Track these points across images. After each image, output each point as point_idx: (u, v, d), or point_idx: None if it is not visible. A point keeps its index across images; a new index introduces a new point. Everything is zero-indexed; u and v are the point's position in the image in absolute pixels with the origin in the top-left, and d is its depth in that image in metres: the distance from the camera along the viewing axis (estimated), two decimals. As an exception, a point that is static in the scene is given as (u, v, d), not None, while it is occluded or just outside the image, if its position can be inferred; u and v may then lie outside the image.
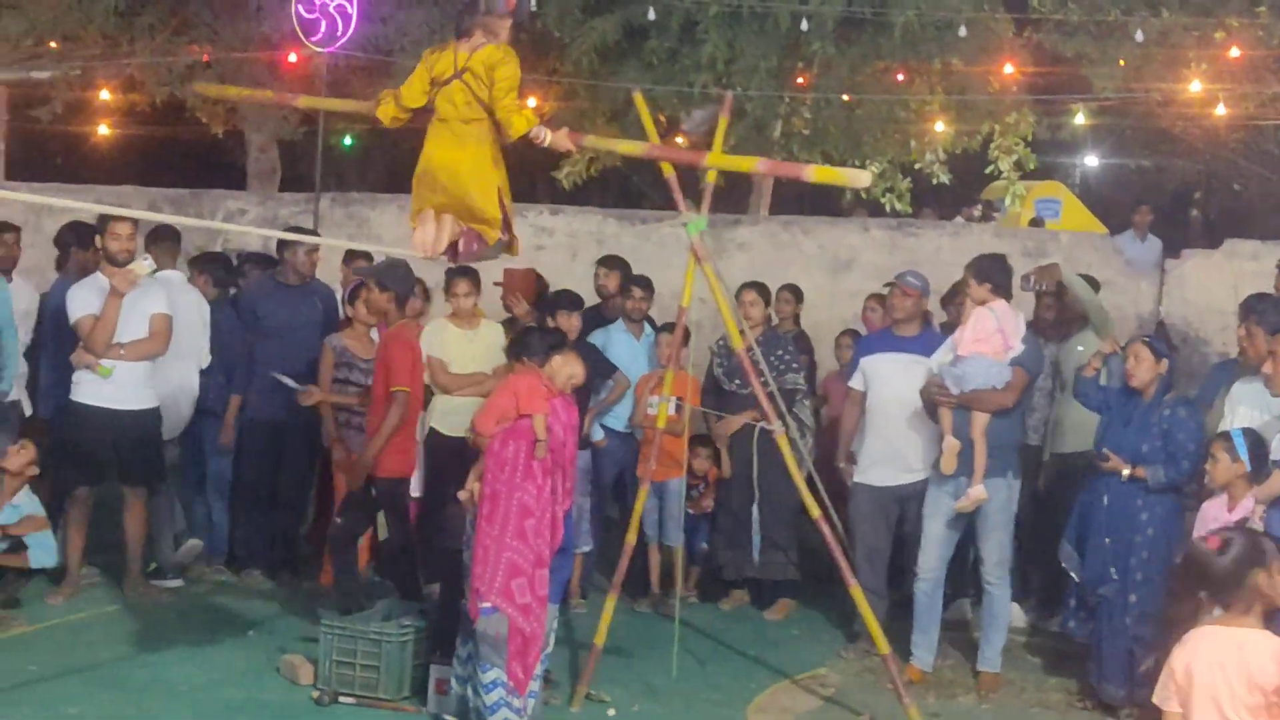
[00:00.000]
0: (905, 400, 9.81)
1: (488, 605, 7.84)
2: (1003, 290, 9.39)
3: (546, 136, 7.52)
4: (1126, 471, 8.98)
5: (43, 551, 10.10)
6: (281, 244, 11.73)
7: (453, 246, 7.60)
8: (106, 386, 10.15)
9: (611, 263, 11.97)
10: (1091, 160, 31.29)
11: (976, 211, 23.49)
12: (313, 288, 11.40)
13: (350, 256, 11.69)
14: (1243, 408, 9.04)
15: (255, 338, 11.10)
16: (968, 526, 9.57)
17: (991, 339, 9.26)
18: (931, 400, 9.49)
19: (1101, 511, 9.12)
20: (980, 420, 9.26)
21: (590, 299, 11.56)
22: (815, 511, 9.01)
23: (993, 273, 9.38)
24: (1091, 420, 9.58)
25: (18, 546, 9.96)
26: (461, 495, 8.35)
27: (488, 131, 7.45)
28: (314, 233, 12.36)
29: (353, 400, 10.52)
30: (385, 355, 9.53)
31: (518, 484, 7.87)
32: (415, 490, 10.77)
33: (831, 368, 12.32)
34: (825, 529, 8.97)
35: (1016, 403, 9.45)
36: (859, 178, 7.81)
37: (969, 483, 9.30)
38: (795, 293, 12.11)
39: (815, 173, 8.16)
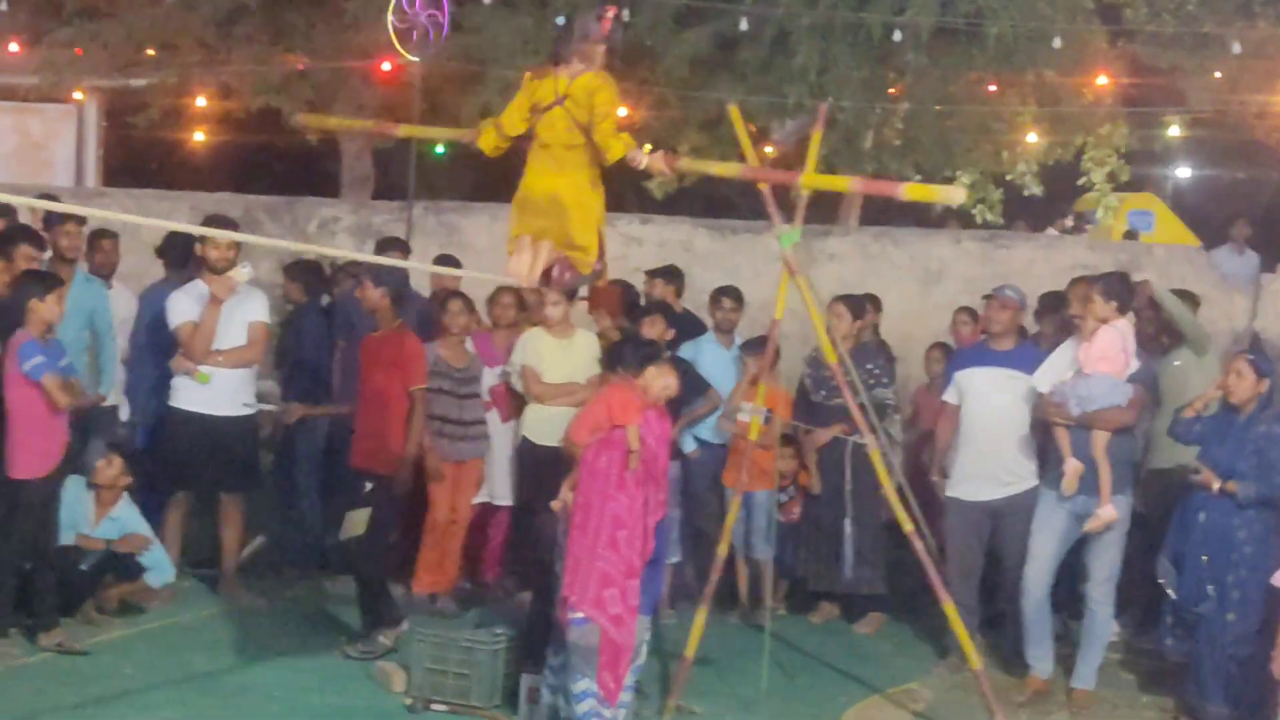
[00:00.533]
0: (1000, 414, 9.74)
1: (579, 615, 7.88)
2: (1126, 308, 9.33)
3: (643, 160, 7.65)
4: (1217, 485, 8.89)
5: (160, 571, 10.23)
6: (377, 251, 11.81)
7: (546, 274, 7.69)
8: (204, 393, 10.28)
9: (656, 272, 11.91)
10: (1184, 172, 30.93)
11: (1069, 223, 23.30)
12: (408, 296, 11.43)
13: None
14: (1338, 425, 8.94)
15: (349, 344, 11.17)
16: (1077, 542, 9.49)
17: (1116, 358, 9.17)
18: (1047, 420, 9.42)
19: (1198, 529, 9.03)
20: (1102, 439, 9.17)
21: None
22: (908, 525, 8.98)
23: (1120, 291, 9.30)
24: (1187, 435, 9.49)
25: (132, 570, 10.07)
26: (554, 505, 8.39)
27: (588, 156, 7.55)
28: (406, 243, 12.44)
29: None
30: (396, 355, 9.66)
31: (611, 494, 7.91)
32: (507, 499, 10.85)
33: (920, 380, 12.25)
34: (918, 543, 8.95)
35: (1138, 420, 9.40)
36: (953, 194, 7.79)
37: (1088, 501, 9.22)
38: (874, 302, 12.02)
39: (909, 190, 8.16)
